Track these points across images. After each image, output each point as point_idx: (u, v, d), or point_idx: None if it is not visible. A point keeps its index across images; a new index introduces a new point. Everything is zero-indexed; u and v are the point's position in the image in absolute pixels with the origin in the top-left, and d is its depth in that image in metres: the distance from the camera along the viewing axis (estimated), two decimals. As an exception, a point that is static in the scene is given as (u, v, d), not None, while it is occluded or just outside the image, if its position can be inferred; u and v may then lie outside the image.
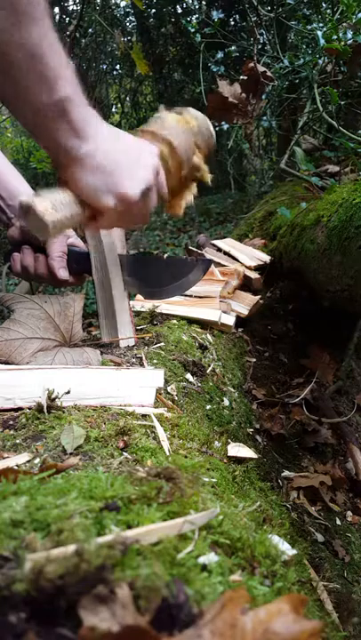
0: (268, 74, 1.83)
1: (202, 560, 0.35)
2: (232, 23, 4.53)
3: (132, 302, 1.37)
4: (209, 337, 1.25)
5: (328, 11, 2.31)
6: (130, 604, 0.28)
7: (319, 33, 1.62)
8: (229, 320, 1.34)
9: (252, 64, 1.79)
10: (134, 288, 0.96)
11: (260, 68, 1.80)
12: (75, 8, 5.03)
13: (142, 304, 1.32)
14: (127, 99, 7.18)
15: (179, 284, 0.95)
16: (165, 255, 0.98)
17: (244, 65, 1.84)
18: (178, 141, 0.73)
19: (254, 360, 1.55)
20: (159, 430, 0.68)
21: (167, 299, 1.00)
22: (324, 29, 1.65)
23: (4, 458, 0.53)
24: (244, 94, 1.85)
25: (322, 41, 1.58)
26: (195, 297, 1.39)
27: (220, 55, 2.43)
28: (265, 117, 2.21)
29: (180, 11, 5.56)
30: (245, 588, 0.35)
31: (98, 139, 0.61)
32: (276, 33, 2.31)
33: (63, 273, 0.88)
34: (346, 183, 1.71)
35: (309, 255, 1.45)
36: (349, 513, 1.24)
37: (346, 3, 1.54)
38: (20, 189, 0.89)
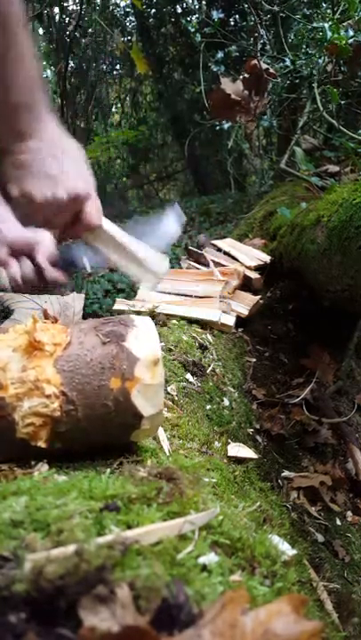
0: (271, 70, 1.82)
1: (202, 560, 0.35)
2: (232, 23, 4.53)
3: (132, 301, 1.37)
4: (209, 337, 1.25)
5: (328, 10, 2.31)
6: (130, 605, 0.28)
7: (326, 25, 1.61)
8: (229, 320, 1.34)
9: (254, 61, 1.79)
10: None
11: (263, 65, 1.80)
12: (75, 8, 5.03)
13: (142, 304, 1.32)
14: (127, 98, 7.18)
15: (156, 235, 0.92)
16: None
17: (246, 63, 1.84)
18: None
19: (254, 360, 1.55)
20: (159, 430, 0.68)
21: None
22: (330, 24, 1.64)
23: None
24: (246, 91, 1.85)
25: (329, 34, 1.57)
26: (195, 297, 1.39)
27: (220, 55, 2.43)
28: (265, 117, 2.21)
29: (180, 10, 5.55)
30: (245, 588, 0.35)
31: (39, 137, 0.64)
32: (277, 32, 2.31)
33: (54, 272, 0.85)
34: (346, 183, 1.71)
35: (309, 255, 1.45)
36: (349, 513, 1.24)
37: (348, 0, 1.54)
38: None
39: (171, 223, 0.88)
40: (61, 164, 0.66)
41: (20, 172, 0.64)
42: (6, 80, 0.60)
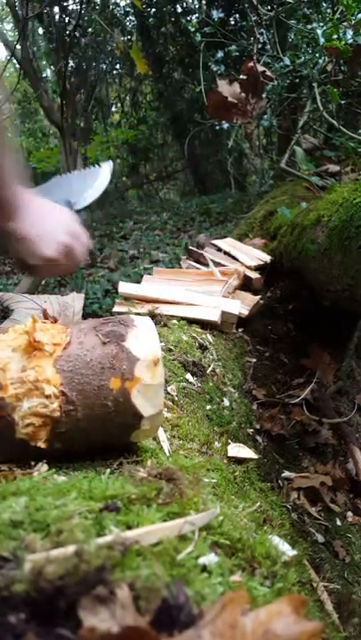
0: (268, 73, 1.82)
1: (202, 561, 0.35)
2: (232, 22, 4.53)
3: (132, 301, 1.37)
4: (209, 337, 1.25)
5: (328, 10, 2.31)
6: (130, 605, 0.28)
7: (319, 32, 1.62)
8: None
9: (251, 63, 1.79)
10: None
11: (260, 68, 1.80)
12: (75, 8, 5.03)
13: (142, 305, 1.32)
14: (127, 98, 7.18)
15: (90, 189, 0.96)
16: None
17: (243, 64, 1.84)
18: None
19: (254, 360, 1.55)
20: (159, 431, 0.67)
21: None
22: (325, 28, 1.65)
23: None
24: (243, 94, 1.85)
25: (322, 40, 1.58)
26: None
27: (220, 54, 2.43)
28: (265, 117, 2.21)
29: (179, 10, 5.55)
30: (246, 588, 0.35)
31: (24, 216, 0.79)
32: (276, 32, 2.30)
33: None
34: (346, 183, 1.71)
35: (310, 255, 1.45)
36: (350, 513, 1.24)
37: (345, 3, 1.54)
38: None
39: (99, 178, 0.92)
40: (50, 221, 0.83)
41: (25, 244, 0.80)
42: None
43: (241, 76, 1.84)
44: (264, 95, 1.93)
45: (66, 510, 0.36)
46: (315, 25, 1.97)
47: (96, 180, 0.97)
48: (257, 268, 1.74)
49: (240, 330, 1.55)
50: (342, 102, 1.88)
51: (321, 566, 1.01)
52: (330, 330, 1.72)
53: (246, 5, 2.31)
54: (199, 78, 2.48)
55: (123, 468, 0.49)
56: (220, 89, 1.84)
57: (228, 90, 1.86)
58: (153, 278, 1.50)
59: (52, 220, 0.84)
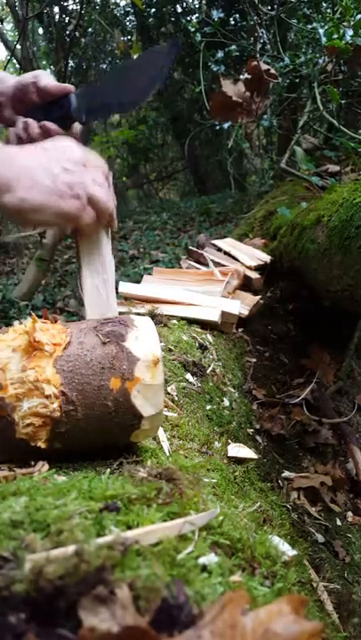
0: (272, 71, 1.82)
1: (202, 561, 0.35)
2: (232, 22, 4.53)
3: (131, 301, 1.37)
4: (209, 337, 1.25)
5: (328, 10, 2.31)
6: (130, 605, 0.28)
7: (321, 31, 1.62)
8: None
9: (255, 62, 1.79)
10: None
11: (264, 66, 1.80)
12: (75, 8, 5.03)
13: (142, 305, 1.32)
14: (127, 98, 7.17)
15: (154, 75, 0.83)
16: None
17: (247, 63, 1.84)
18: None
19: (254, 360, 1.55)
20: (159, 430, 0.67)
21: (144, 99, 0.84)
22: (326, 28, 1.65)
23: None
24: (248, 93, 1.85)
25: (324, 39, 1.58)
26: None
27: (220, 54, 2.43)
28: (265, 117, 2.21)
29: (179, 10, 5.55)
30: (246, 588, 0.35)
31: None
32: (277, 32, 2.31)
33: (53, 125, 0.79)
34: (346, 183, 1.71)
35: (310, 255, 1.45)
36: (350, 513, 1.24)
37: (344, 5, 1.54)
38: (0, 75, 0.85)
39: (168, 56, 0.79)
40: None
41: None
42: None
43: (244, 76, 1.84)
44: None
45: (66, 510, 0.36)
46: (315, 24, 1.96)
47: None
48: (257, 268, 1.74)
49: (240, 330, 1.55)
50: (342, 102, 1.88)
51: (321, 566, 1.01)
52: (330, 330, 1.72)
53: (247, 6, 2.30)
54: (199, 78, 2.48)
55: (123, 468, 0.49)
56: (225, 88, 1.84)
57: (233, 89, 1.86)
58: (153, 278, 1.50)
59: (37, 154, 0.60)
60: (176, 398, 0.88)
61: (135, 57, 0.99)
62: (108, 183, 0.65)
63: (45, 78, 0.76)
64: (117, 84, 0.80)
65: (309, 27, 2.06)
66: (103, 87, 0.80)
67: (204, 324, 1.30)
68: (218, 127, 2.44)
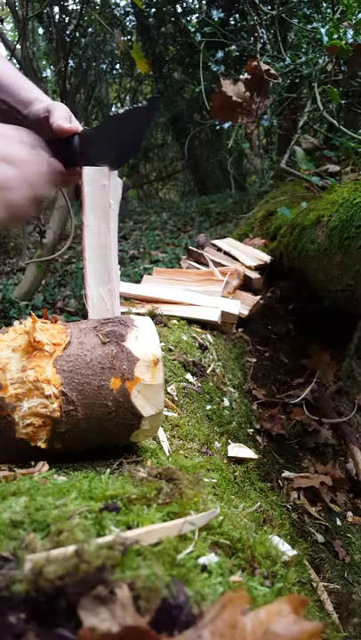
0: (272, 71, 1.82)
1: (202, 561, 0.35)
2: (232, 22, 4.53)
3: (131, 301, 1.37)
4: (209, 337, 1.25)
5: (328, 10, 2.31)
6: (130, 605, 0.28)
7: (323, 30, 1.61)
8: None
9: (255, 62, 1.79)
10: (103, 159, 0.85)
11: (264, 66, 1.80)
12: (75, 8, 5.03)
13: (142, 305, 1.32)
14: (127, 98, 7.18)
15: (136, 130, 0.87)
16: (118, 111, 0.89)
17: (247, 64, 1.83)
18: None
19: (255, 360, 1.55)
20: (159, 430, 0.67)
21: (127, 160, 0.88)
22: (327, 27, 1.65)
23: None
24: (248, 93, 1.85)
25: (325, 38, 1.58)
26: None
27: (220, 54, 2.43)
28: (265, 117, 2.21)
29: (180, 10, 5.55)
30: (246, 588, 0.35)
31: None
32: (277, 32, 2.31)
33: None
34: (346, 183, 1.71)
35: (310, 255, 1.45)
36: (350, 513, 1.24)
37: (346, 3, 1.54)
38: (32, 96, 0.85)
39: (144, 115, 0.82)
40: None
41: None
42: None
43: (244, 76, 1.84)
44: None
45: (66, 510, 0.36)
46: (316, 24, 1.96)
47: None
48: (257, 268, 1.74)
49: (240, 330, 1.55)
50: (342, 102, 1.88)
51: (321, 566, 1.01)
52: (330, 330, 1.72)
53: (247, 6, 2.30)
54: (199, 78, 2.48)
55: (123, 468, 0.49)
56: (225, 89, 1.84)
57: (233, 89, 1.86)
58: (153, 278, 1.50)
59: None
60: (176, 398, 0.88)
61: (121, 111, 0.99)
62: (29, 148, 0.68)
63: (57, 113, 0.77)
64: (111, 139, 0.84)
65: (310, 27, 2.06)
66: (101, 138, 0.83)
67: (204, 324, 1.30)
68: (218, 127, 2.44)
